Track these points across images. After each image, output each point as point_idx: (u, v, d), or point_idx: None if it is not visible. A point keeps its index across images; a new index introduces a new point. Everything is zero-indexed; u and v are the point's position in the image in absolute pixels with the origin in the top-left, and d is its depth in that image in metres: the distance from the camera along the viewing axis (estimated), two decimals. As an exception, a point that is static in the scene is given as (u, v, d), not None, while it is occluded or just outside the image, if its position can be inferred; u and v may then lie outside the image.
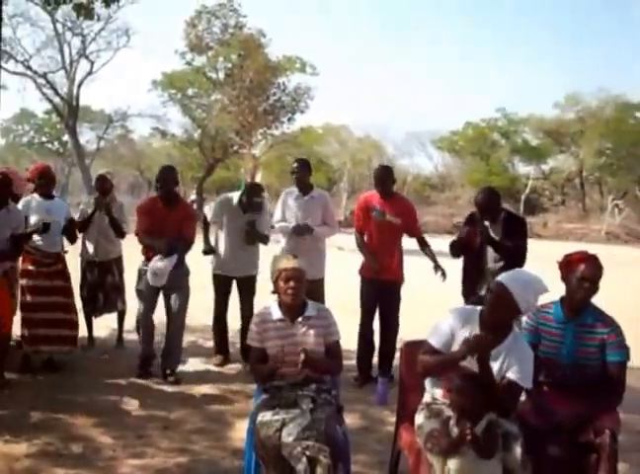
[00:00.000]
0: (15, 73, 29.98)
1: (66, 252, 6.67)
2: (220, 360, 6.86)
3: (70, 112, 30.43)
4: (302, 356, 3.83)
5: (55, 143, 45.60)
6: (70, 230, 6.53)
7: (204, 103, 30.05)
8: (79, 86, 30.76)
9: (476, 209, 5.74)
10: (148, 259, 6.26)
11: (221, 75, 28.24)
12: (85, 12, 7.08)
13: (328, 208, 6.80)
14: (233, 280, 6.81)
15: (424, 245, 6.53)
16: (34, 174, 6.47)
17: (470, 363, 3.52)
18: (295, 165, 6.76)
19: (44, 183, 6.41)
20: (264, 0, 49.54)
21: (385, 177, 6.36)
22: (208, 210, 6.97)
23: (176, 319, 6.28)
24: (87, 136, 38.87)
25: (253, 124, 26.80)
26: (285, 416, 3.66)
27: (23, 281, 6.21)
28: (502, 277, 3.63)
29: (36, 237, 6.09)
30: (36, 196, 6.40)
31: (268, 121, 27.34)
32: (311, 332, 4.04)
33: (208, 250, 6.82)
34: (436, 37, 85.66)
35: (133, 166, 34.20)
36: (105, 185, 7.09)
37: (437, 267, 6.31)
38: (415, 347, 3.99)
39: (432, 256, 6.42)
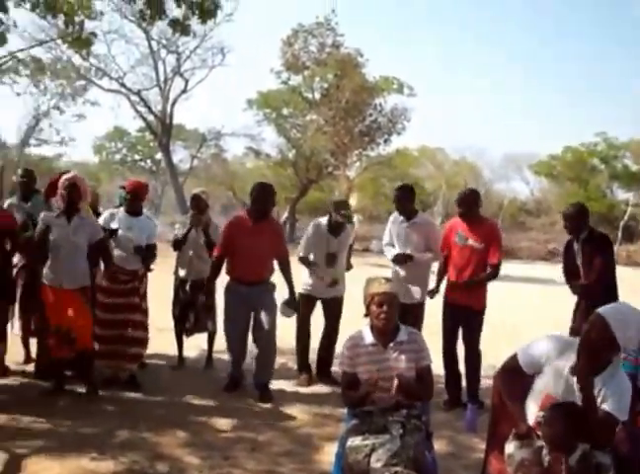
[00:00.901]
0: (109, 90, 30.96)
1: (151, 270, 6.72)
2: (306, 380, 6.79)
3: (164, 130, 31.06)
4: (396, 382, 3.79)
5: (148, 161, 46.61)
6: (148, 252, 6.46)
7: (300, 123, 30.16)
8: (173, 104, 31.32)
9: (563, 223, 6.07)
10: (232, 277, 6.27)
11: (317, 95, 28.30)
12: (181, 28, 7.18)
13: (431, 235, 6.63)
14: (318, 301, 6.86)
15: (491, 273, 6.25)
16: (128, 187, 6.51)
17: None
18: (398, 192, 6.69)
19: (131, 199, 6.43)
20: (361, 19, 49.60)
21: (468, 200, 6.21)
22: (301, 246, 6.91)
23: (267, 336, 6.19)
24: (180, 155, 39.56)
25: (348, 146, 26.76)
26: (375, 441, 3.61)
27: (98, 296, 6.22)
28: (602, 310, 3.35)
29: (115, 253, 6.17)
30: (122, 210, 6.46)
31: (363, 143, 27.24)
32: (403, 357, 3.97)
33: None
34: (534, 58, 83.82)
35: (226, 186, 34.53)
36: (200, 204, 7.10)
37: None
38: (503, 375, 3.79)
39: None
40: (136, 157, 47.87)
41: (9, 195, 6.96)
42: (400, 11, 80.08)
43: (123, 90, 30.62)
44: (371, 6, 79.24)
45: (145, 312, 6.45)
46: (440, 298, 6.48)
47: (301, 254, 6.82)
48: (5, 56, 8.56)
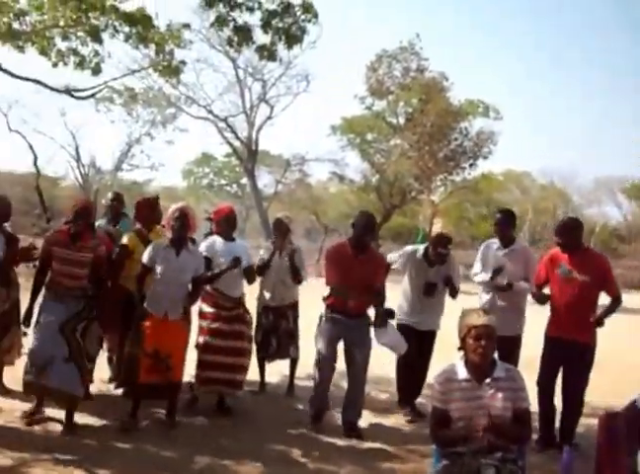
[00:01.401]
0: (198, 118, 31.76)
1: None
2: (411, 415, 6.49)
3: (249, 155, 31.65)
4: (487, 422, 3.55)
5: (234, 186, 47.43)
6: (250, 273, 6.47)
7: (384, 148, 30.15)
8: (259, 130, 31.91)
9: None
10: (331, 307, 6.06)
11: (401, 120, 28.24)
12: (268, 54, 7.19)
13: (530, 263, 6.32)
14: (414, 332, 6.46)
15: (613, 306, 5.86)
16: (217, 215, 6.50)
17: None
18: (499, 216, 6.43)
19: (227, 225, 6.40)
20: (446, 43, 49.32)
21: (568, 230, 5.86)
22: (394, 258, 6.68)
23: (359, 372, 6.01)
24: (265, 180, 39.99)
25: (433, 170, 26.47)
26: None
27: (202, 323, 6.23)
28: None
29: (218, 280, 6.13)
30: (218, 237, 6.40)
31: (448, 167, 26.87)
32: (499, 395, 3.72)
33: None
34: (623, 76, 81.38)
35: (310, 210, 34.77)
36: (281, 228, 7.07)
37: None
38: (616, 419, 3.58)
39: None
40: (223, 182, 48.79)
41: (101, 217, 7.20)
42: (485, 33, 79.32)
43: (211, 117, 31.40)
44: (455, 29, 78.81)
45: (250, 339, 6.40)
46: (531, 329, 6.20)
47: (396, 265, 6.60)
48: (99, 85, 8.73)
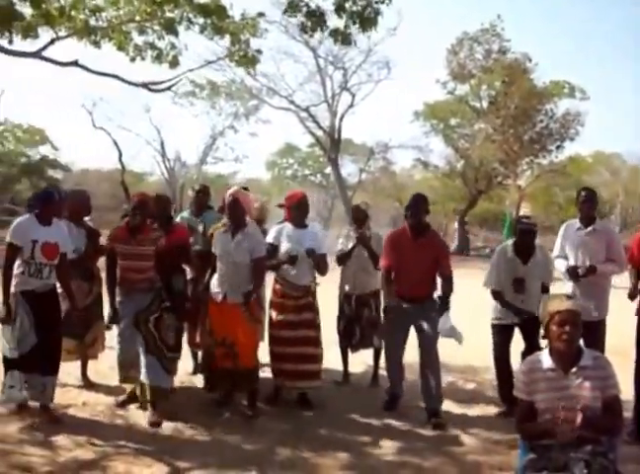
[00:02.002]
0: (279, 108, 31.90)
1: (318, 284, 6.62)
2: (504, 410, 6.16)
3: (332, 144, 31.51)
4: (580, 416, 3.32)
5: (318, 176, 47.45)
6: (320, 261, 6.28)
7: (467, 132, 29.60)
8: (341, 119, 31.74)
9: None
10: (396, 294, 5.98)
11: (485, 103, 27.62)
12: (342, 37, 7.06)
13: (613, 243, 5.96)
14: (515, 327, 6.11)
15: None
16: (289, 202, 6.40)
17: None
18: (583, 194, 6.06)
19: (299, 211, 6.26)
20: (529, 23, 47.87)
21: None
22: (488, 277, 6.20)
23: (430, 357, 5.87)
24: (349, 169, 39.68)
25: (518, 154, 25.84)
26: None
27: (272, 314, 6.17)
28: None
29: (285, 269, 6.07)
30: (288, 224, 6.30)
31: (534, 150, 26.17)
32: (587, 384, 3.50)
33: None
34: None
35: (394, 198, 34.47)
36: (359, 215, 6.95)
37: None
38: None
39: None
40: (307, 172, 48.89)
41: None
42: (570, 11, 76.59)
43: (293, 107, 31.45)
44: (538, 7, 76.37)
45: (319, 328, 6.28)
46: (614, 314, 5.86)
47: (492, 287, 6.11)
48: (175, 78, 8.82)
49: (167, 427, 5.44)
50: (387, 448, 5.20)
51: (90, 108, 30.15)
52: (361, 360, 7.35)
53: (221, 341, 5.75)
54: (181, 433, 5.34)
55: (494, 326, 6.17)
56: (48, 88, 63.55)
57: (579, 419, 3.32)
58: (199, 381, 6.56)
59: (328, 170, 39.87)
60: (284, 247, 6.10)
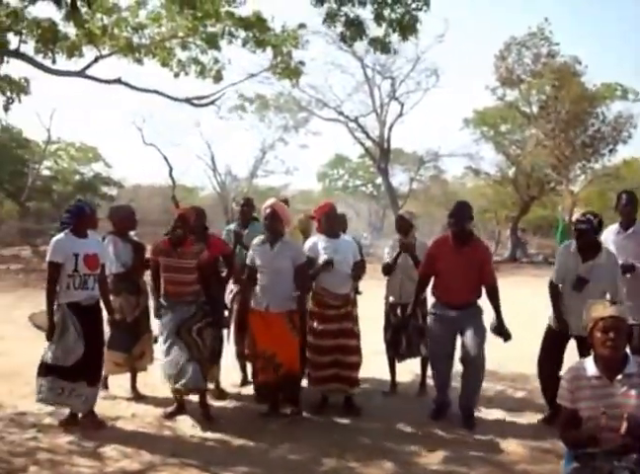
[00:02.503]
0: (328, 119, 31.98)
1: (360, 293, 6.60)
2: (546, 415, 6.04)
3: (382, 154, 31.45)
4: (625, 424, 3.23)
5: (369, 186, 47.41)
6: (357, 270, 6.36)
7: (518, 138, 29.23)
8: (390, 128, 31.66)
9: None
10: (439, 300, 5.99)
11: (535, 108, 27.17)
12: (381, 46, 7.05)
13: None
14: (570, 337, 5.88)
15: None
16: (318, 214, 6.40)
17: None
18: (624, 197, 6.01)
19: (328, 222, 6.29)
20: (577, 25, 47.04)
21: None
22: (555, 272, 6.03)
23: (474, 360, 5.78)
24: (400, 178, 39.51)
25: (570, 158, 25.36)
26: None
27: (313, 323, 6.16)
28: None
29: (324, 278, 6.08)
30: (321, 236, 6.32)
31: (586, 155, 25.65)
32: (633, 392, 3.42)
33: None
34: None
35: (445, 207, 34.16)
36: (403, 225, 6.91)
37: None
38: None
39: None
40: (357, 182, 48.94)
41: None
42: (617, 12, 74.94)
43: (341, 118, 31.50)
44: (587, 10, 75.01)
45: (359, 336, 6.28)
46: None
47: (553, 280, 5.97)
48: (218, 92, 8.93)
49: (213, 437, 5.49)
50: (433, 458, 5.15)
51: (140, 124, 30.70)
52: (409, 370, 7.28)
53: (262, 353, 5.82)
54: (227, 443, 5.38)
55: (548, 328, 6.01)
56: (97, 106, 64.99)
57: (624, 427, 3.24)
58: (246, 393, 6.61)
59: (379, 180, 39.82)
60: (322, 258, 6.11)
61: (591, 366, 3.53)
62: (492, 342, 5.91)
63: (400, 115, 31.51)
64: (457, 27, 62.95)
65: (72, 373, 5.42)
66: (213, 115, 29.36)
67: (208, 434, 5.54)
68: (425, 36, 29.04)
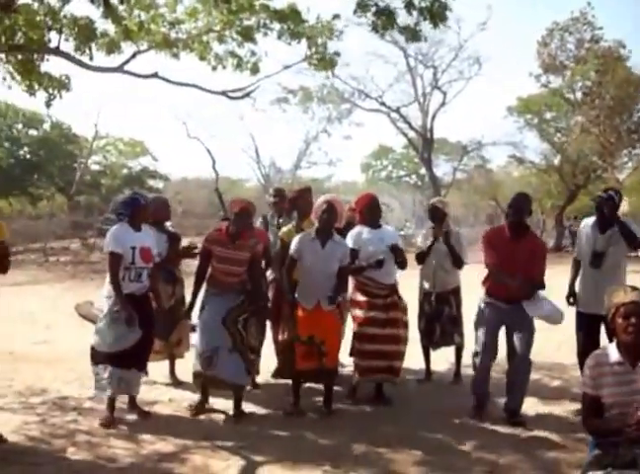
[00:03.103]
0: (370, 110, 31.88)
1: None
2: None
3: (425, 144, 31.26)
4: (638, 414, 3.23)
5: (413, 177, 47.14)
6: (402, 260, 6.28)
7: (563, 126, 28.76)
8: (433, 118, 31.44)
9: None
10: (490, 292, 5.83)
11: (579, 95, 26.70)
12: (411, 34, 7.04)
13: None
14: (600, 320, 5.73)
15: None
16: (359, 205, 6.44)
17: None
18: None
19: (370, 213, 6.31)
20: (621, 10, 45.76)
21: None
22: (576, 246, 6.17)
23: (521, 359, 5.68)
24: (444, 168, 39.20)
25: (616, 145, 24.89)
26: None
27: (357, 312, 6.18)
28: None
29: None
30: (364, 227, 6.32)
31: (632, 141, 25.14)
32: None
33: None
34: None
35: (489, 196, 33.84)
36: (437, 214, 6.93)
37: None
38: None
39: None
40: (401, 173, 48.73)
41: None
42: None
43: (383, 108, 31.38)
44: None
45: (406, 326, 6.30)
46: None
47: (574, 255, 6.08)
48: (252, 84, 8.99)
49: (246, 423, 5.60)
50: (464, 445, 5.17)
51: (184, 118, 31.12)
52: (445, 358, 7.31)
53: (307, 339, 5.75)
54: (260, 429, 5.48)
55: (577, 314, 5.96)
56: (140, 100, 65.80)
57: (636, 417, 3.22)
58: (282, 381, 6.71)
59: (423, 170, 39.54)
60: (368, 250, 6.11)
61: (613, 352, 3.50)
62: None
63: (443, 104, 31.37)
64: (500, 13, 62.03)
65: (126, 361, 5.51)
66: (258, 107, 29.52)
67: (244, 420, 5.66)
68: (467, 24, 28.87)
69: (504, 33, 62.77)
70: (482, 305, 5.91)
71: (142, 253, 5.58)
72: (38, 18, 6.75)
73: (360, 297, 6.20)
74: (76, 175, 34.82)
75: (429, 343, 7.02)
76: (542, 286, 5.72)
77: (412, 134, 32.51)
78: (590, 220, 6.00)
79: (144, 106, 66.29)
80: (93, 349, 5.62)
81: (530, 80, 27.53)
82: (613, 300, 3.52)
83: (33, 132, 36.28)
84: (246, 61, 8.92)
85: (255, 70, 9.05)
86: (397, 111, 31.35)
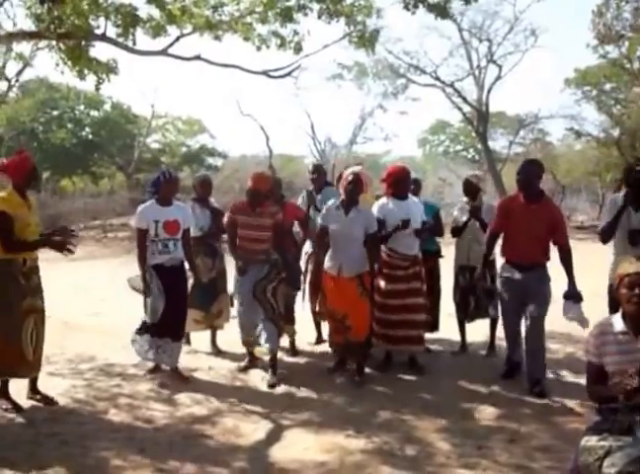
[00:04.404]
0: (425, 85, 31.59)
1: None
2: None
3: (480, 118, 30.83)
4: (637, 379, 3.29)
5: (471, 151, 46.50)
6: (424, 231, 6.48)
7: (622, 97, 27.95)
8: (488, 92, 30.97)
9: None
10: (507, 260, 6.03)
11: (637, 65, 25.84)
12: (438, 11, 7.09)
13: None
14: None
15: None
16: (389, 177, 6.52)
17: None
18: None
19: (398, 185, 6.42)
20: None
21: None
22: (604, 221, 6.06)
23: (535, 325, 5.80)
24: (502, 142, 38.52)
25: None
26: (613, 443, 3.17)
27: (381, 283, 6.35)
28: None
29: (393, 239, 6.26)
30: (391, 198, 6.45)
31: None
32: None
33: None
34: None
35: (547, 170, 33.15)
36: (470, 188, 7.02)
37: None
38: None
39: None
40: (458, 148, 48.16)
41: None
42: None
43: (438, 83, 31.05)
44: None
45: (425, 295, 6.47)
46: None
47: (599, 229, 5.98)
48: (293, 63, 9.18)
49: (280, 389, 5.87)
50: (487, 414, 5.31)
51: (238, 96, 31.35)
52: (482, 331, 7.39)
53: (331, 315, 6.14)
54: (291, 395, 5.74)
55: (610, 287, 5.79)
56: (196, 81, 66.38)
57: (636, 382, 3.27)
58: (320, 350, 7.01)
59: (480, 145, 39.00)
60: (393, 220, 6.24)
61: (618, 322, 3.56)
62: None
63: (498, 77, 30.72)
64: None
65: (160, 330, 5.93)
66: (314, 83, 29.65)
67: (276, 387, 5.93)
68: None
69: (561, 2, 60.79)
70: (500, 279, 6.13)
71: (166, 226, 5.96)
72: (83, 7, 7.04)
73: (383, 269, 6.36)
74: (134, 153, 35.52)
75: (464, 315, 7.13)
76: (569, 251, 5.81)
77: (467, 109, 32.07)
78: (619, 197, 5.84)
79: (199, 84, 66.81)
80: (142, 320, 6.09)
81: (588, 51, 26.84)
82: (618, 271, 3.56)
83: (94, 113, 37.11)
84: (289, 41, 9.09)
85: (298, 49, 9.21)
86: (451, 85, 30.93)
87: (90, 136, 36.28)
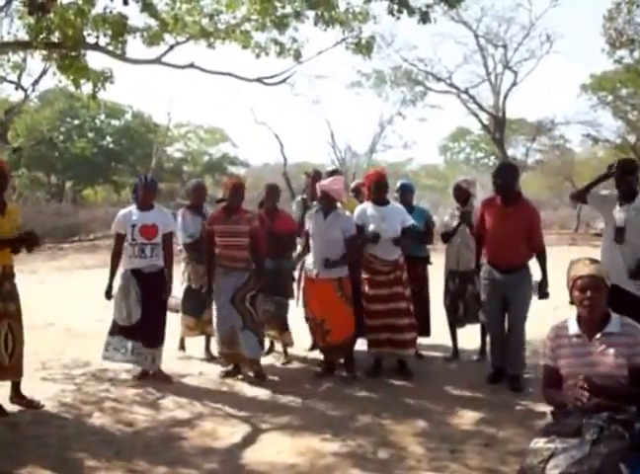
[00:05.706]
0: (440, 92, 31.51)
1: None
2: None
3: (496, 125, 30.70)
4: (581, 383, 3.33)
5: (492, 158, 46.22)
6: (404, 240, 6.47)
7: (639, 103, 27.66)
8: (504, 98, 30.83)
9: None
10: (488, 262, 6.16)
11: (652, 70, 25.57)
12: (420, 16, 7.14)
13: None
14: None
15: None
16: (367, 181, 6.64)
17: None
18: None
19: (377, 190, 6.48)
20: None
21: None
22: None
23: (515, 325, 6.03)
24: (522, 149, 38.31)
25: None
26: (559, 445, 3.17)
27: (365, 289, 6.43)
28: None
29: (373, 245, 6.31)
30: (370, 203, 6.53)
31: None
32: (611, 351, 3.42)
33: None
34: None
35: (564, 175, 32.82)
36: (460, 194, 7.06)
37: None
38: None
39: None
40: (479, 155, 47.96)
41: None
42: None
43: (453, 90, 30.99)
44: None
45: (410, 299, 6.50)
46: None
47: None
48: (287, 70, 9.29)
49: (264, 394, 5.95)
50: (467, 418, 5.32)
51: (252, 105, 31.50)
52: (474, 337, 7.40)
53: (311, 318, 6.30)
54: (275, 400, 5.81)
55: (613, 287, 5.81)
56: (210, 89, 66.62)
57: (581, 386, 3.31)
58: (312, 356, 7.06)
59: (500, 152, 38.74)
60: (370, 227, 6.35)
61: (573, 325, 3.56)
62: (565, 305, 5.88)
63: (514, 83, 30.60)
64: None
65: (133, 333, 6.05)
66: (333, 91, 29.68)
67: (261, 392, 5.99)
68: (539, 1, 27.99)
69: (577, 8, 60.27)
70: (482, 281, 6.23)
71: (142, 229, 6.06)
72: (70, 16, 7.18)
73: (364, 275, 6.46)
74: (152, 162, 35.83)
75: (454, 320, 7.17)
76: (543, 252, 5.95)
77: (485, 116, 31.94)
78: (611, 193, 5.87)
79: (218, 93, 67.11)
80: (113, 320, 6.23)
81: (604, 56, 26.63)
82: (571, 273, 3.56)
83: (115, 122, 37.59)
84: (288, 48, 9.19)
85: (297, 56, 9.31)
86: (466, 91, 30.88)
87: (111, 145, 36.71)
